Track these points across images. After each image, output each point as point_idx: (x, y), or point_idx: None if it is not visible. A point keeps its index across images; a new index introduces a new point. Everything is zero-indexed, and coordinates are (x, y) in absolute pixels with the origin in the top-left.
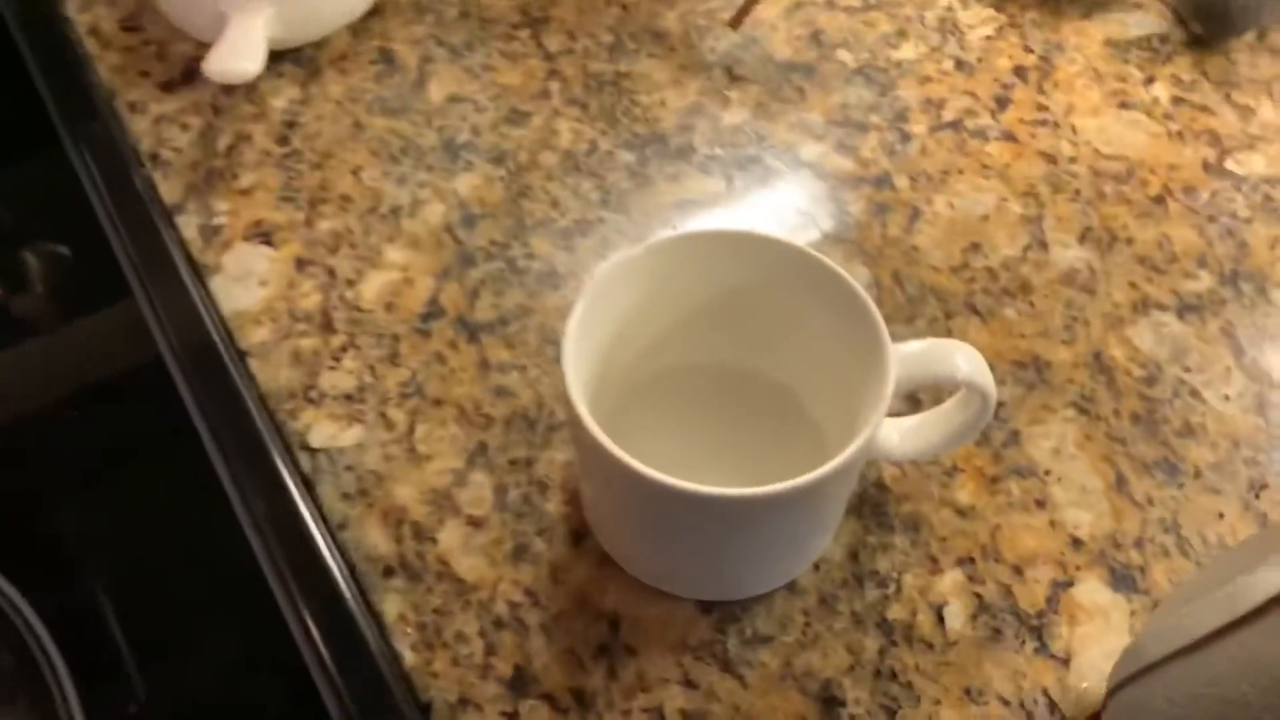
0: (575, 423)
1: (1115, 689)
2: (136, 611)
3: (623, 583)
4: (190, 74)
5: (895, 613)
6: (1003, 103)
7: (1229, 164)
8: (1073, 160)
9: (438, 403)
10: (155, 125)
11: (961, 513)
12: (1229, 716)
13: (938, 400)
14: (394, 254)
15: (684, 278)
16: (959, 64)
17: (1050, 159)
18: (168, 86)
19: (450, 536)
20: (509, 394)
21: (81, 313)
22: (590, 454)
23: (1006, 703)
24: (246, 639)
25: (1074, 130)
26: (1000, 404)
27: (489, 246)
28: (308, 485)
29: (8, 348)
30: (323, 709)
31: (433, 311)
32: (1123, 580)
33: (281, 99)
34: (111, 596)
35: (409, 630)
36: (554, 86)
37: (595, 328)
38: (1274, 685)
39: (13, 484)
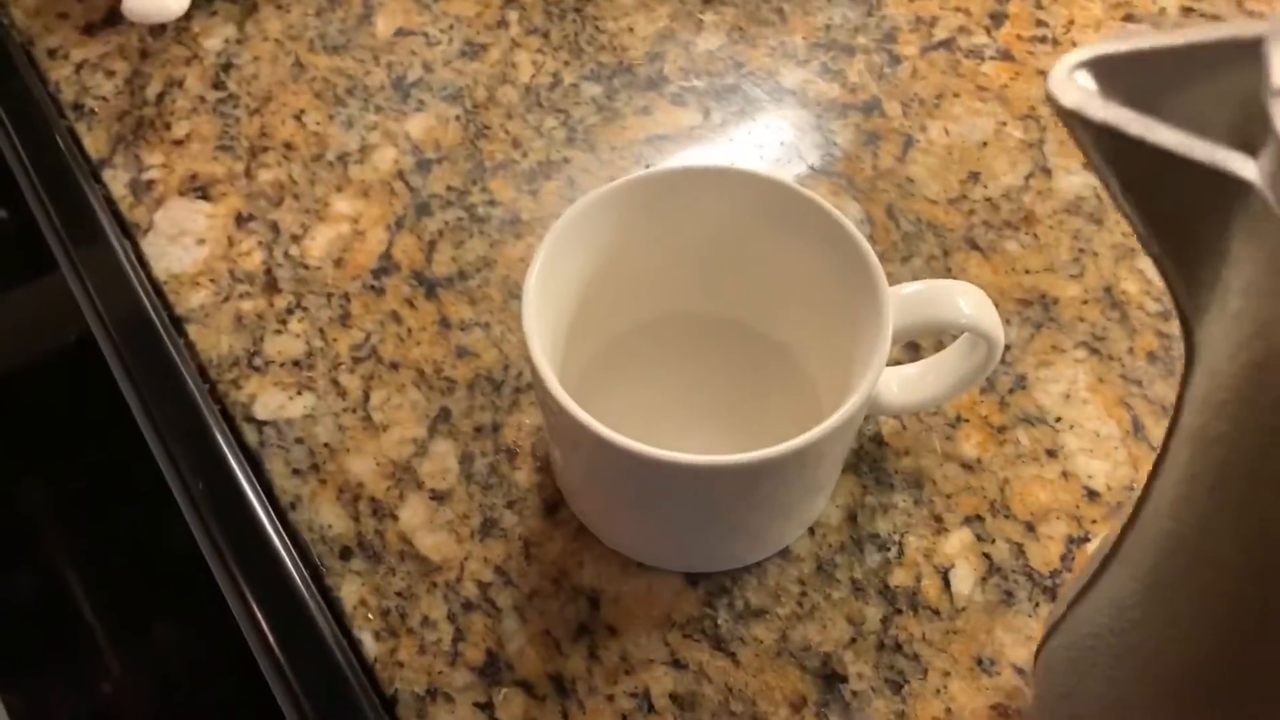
0: (540, 385)
1: (1037, 651)
2: (103, 589)
3: (601, 556)
4: (114, 15)
5: (898, 578)
6: (998, 19)
7: None
8: None
9: (394, 366)
10: (77, 73)
11: (967, 467)
12: (1098, 652)
13: (938, 346)
14: (342, 205)
15: (659, 221)
16: None
17: None
18: (89, 29)
19: (412, 513)
20: (471, 354)
21: (9, 286)
22: (559, 421)
23: (1021, 671)
24: (200, 628)
25: (1075, 46)
26: (1006, 347)
27: (445, 193)
28: (253, 461)
29: None
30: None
31: (386, 267)
32: None
33: (215, 39)
34: (79, 574)
35: (370, 617)
36: (512, 15)
37: (561, 279)
38: (1119, 614)
39: None
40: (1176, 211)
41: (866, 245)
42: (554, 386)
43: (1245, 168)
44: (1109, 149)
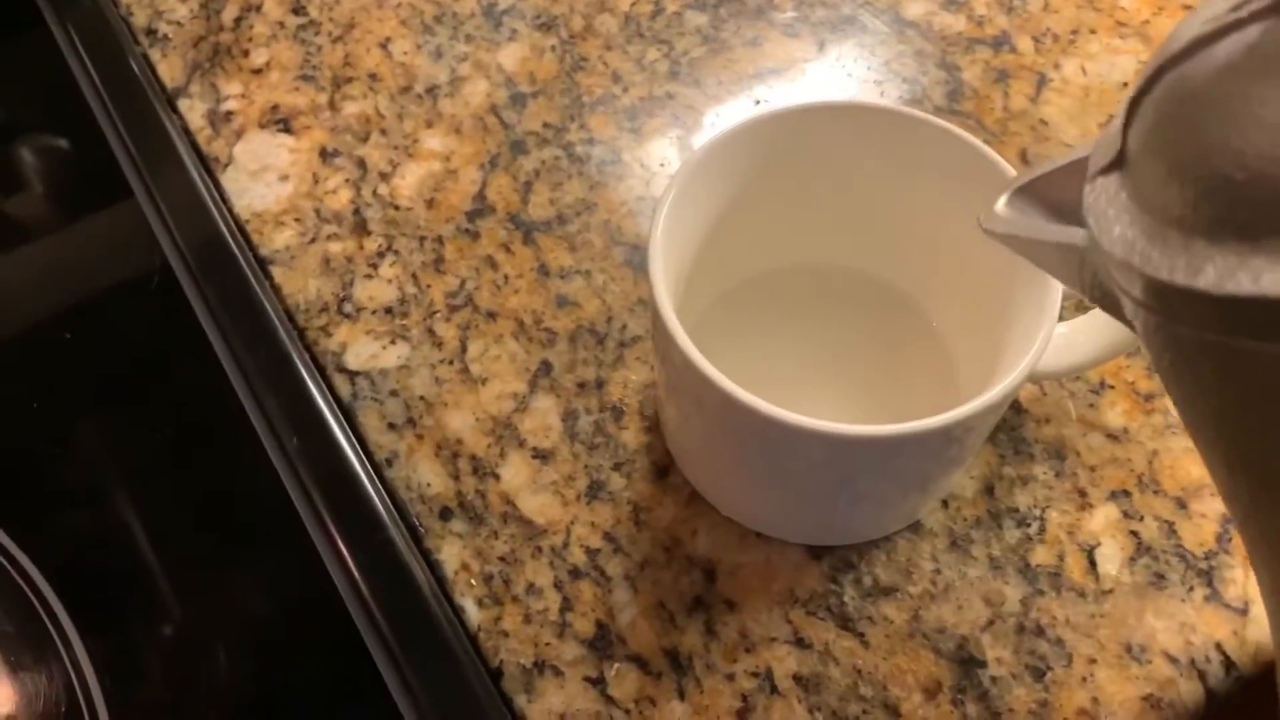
0: (664, 339)
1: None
2: (166, 537)
3: (716, 525)
4: None
5: (1039, 557)
6: None
7: None
8: None
9: (492, 315)
10: None
11: (1113, 437)
12: None
13: (1078, 305)
14: (432, 141)
15: (789, 162)
16: None
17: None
18: None
19: (514, 472)
20: (572, 304)
21: (84, 213)
22: (682, 377)
23: (1173, 660)
24: (289, 583)
25: None
26: None
27: (541, 130)
28: (347, 414)
29: (4, 254)
30: (368, 658)
31: (480, 209)
32: None
33: None
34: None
35: (473, 583)
36: None
37: (685, 224)
38: None
39: (12, 408)
40: (1068, 272)
41: None
42: (682, 340)
43: (1076, 235)
44: (1015, 247)
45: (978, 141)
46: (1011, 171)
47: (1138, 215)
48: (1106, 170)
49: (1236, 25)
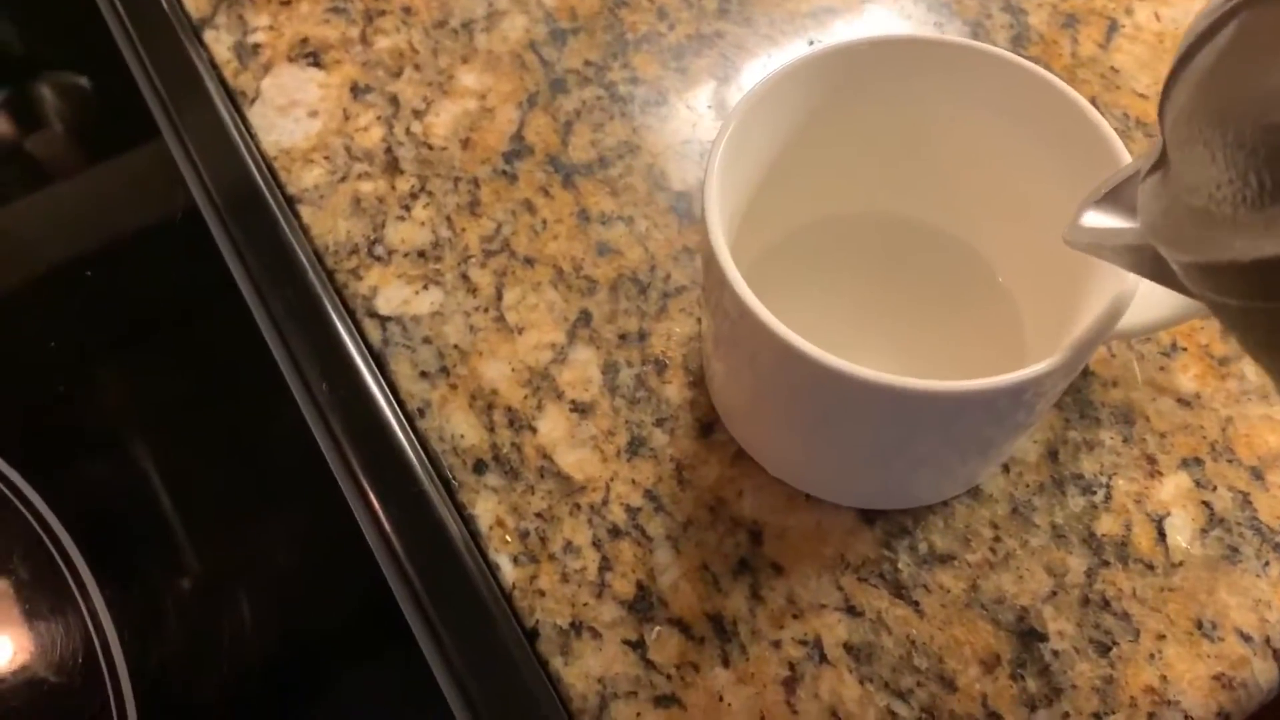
0: (719, 285)
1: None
2: (189, 485)
3: (763, 485)
4: None
5: (1105, 526)
6: None
7: None
8: None
9: (529, 262)
10: None
11: (1185, 402)
12: None
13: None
14: (468, 78)
15: (843, 104)
16: None
17: None
18: None
19: (552, 425)
20: (613, 252)
21: (106, 151)
22: (736, 328)
23: (1247, 638)
24: (315, 535)
25: None
26: None
27: (582, 69)
28: (377, 361)
29: (24, 195)
30: (401, 619)
31: (518, 150)
32: None
33: None
34: (167, 466)
35: (508, 539)
36: None
37: (740, 166)
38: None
39: (32, 352)
40: (1151, 272)
41: (1117, 141)
42: (739, 286)
43: (1134, 233)
44: (1101, 255)
45: (1055, 78)
46: (1093, 112)
47: (1180, 205)
48: (1151, 171)
49: (1228, 17)
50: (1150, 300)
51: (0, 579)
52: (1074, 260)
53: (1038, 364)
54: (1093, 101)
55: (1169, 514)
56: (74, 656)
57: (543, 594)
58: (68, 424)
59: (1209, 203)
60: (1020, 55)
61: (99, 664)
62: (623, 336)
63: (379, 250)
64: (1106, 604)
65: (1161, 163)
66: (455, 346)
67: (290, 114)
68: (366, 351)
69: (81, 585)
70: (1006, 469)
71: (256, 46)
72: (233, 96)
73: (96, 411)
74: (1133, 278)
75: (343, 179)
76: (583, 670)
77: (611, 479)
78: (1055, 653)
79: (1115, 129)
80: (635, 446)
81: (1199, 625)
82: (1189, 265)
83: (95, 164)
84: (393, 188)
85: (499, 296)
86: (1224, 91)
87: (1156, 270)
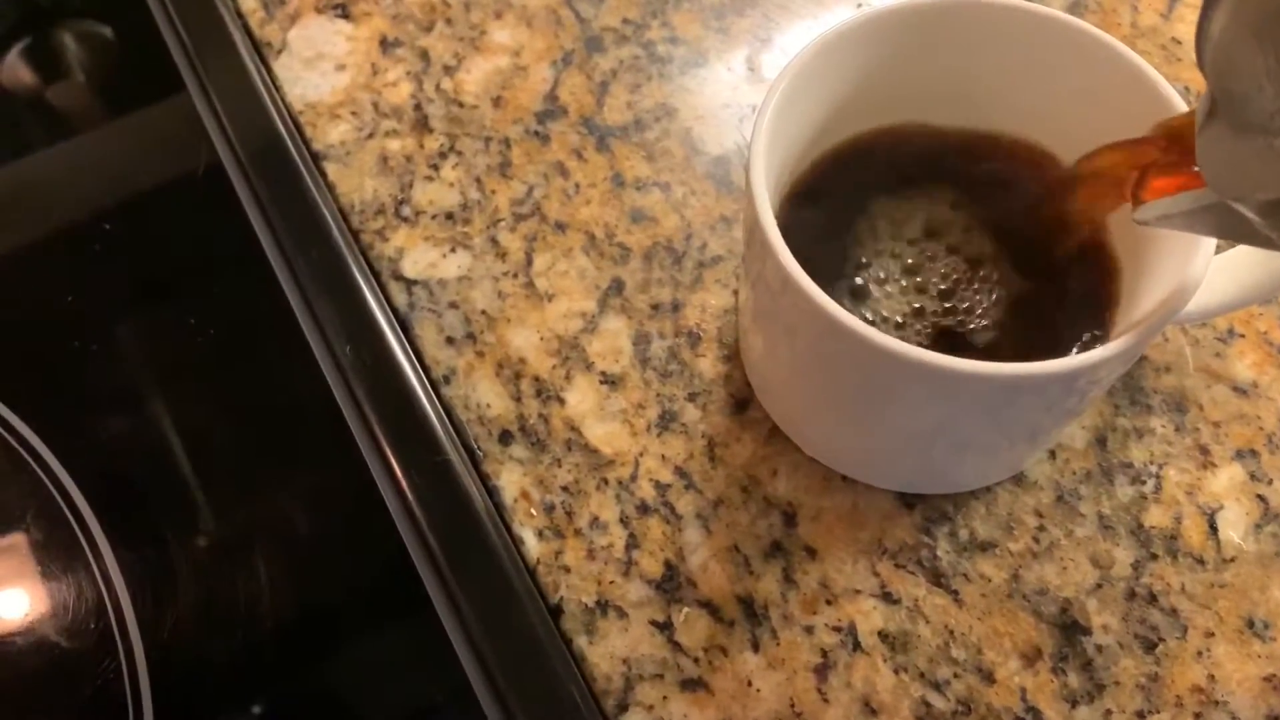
0: (762, 255)
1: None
2: (206, 446)
3: (798, 465)
4: None
5: (1154, 517)
6: None
7: None
8: None
9: (560, 227)
10: None
11: (1240, 391)
12: None
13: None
14: (501, 35)
15: (895, 69)
16: None
17: None
18: None
19: (580, 397)
20: (648, 219)
21: (128, 102)
22: (778, 300)
23: None
24: (334, 500)
25: None
26: None
27: (620, 27)
28: (403, 325)
29: (44, 146)
30: (420, 589)
31: (551, 110)
32: None
33: None
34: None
35: (533, 513)
36: None
37: (782, 135)
38: None
39: (50, 308)
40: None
41: (1181, 104)
42: (785, 256)
43: (1211, 195)
44: (1172, 225)
45: (1117, 42)
46: (1162, 81)
47: (1239, 145)
48: (1204, 126)
49: None
50: (1216, 282)
51: (13, 537)
52: (1133, 240)
53: (1093, 350)
54: None
55: (1221, 507)
56: (86, 618)
57: (568, 570)
58: (84, 381)
59: (1267, 135)
60: None
61: (111, 626)
62: (655, 307)
63: (406, 211)
64: (1154, 599)
65: (1213, 112)
66: (483, 312)
67: (317, 67)
68: (391, 315)
69: (94, 546)
70: (1053, 455)
71: None
72: (259, 48)
73: (114, 369)
74: (1199, 262)
75: (370, 136)
76: (608, 650)
77: (641, 454)
78: (1099, 647)
79: None
80: (666, 421)
81: (1250, 624)
82: (1263, 205)
83: (117, 115)
84: (421, 146)
85: (529, 262)
86: (1259, 7)
87: (1230, 227)
